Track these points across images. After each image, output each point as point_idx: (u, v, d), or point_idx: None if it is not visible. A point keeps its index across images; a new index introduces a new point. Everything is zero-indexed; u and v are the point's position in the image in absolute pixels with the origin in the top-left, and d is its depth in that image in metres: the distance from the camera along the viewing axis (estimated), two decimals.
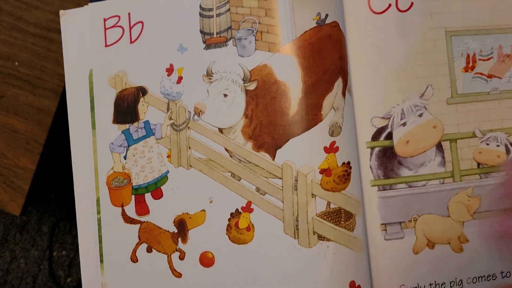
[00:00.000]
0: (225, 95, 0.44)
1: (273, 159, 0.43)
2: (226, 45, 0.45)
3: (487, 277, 0.43)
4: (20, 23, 0.73)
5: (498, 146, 0.43)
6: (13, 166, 0.73)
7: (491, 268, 0.43)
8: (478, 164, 0.43)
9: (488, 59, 0.44)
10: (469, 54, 0.44)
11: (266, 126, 0.43)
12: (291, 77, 0.42)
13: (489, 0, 0.44)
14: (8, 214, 1.26)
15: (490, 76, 0.44)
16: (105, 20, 0.48)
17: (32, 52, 0.73)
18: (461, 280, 0.42)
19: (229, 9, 0.44)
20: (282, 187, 0.43)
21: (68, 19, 0.49)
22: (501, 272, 0.43)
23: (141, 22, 0.47)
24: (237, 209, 0.44)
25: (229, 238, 0.44)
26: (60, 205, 1.27)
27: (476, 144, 0.43)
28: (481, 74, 0.44)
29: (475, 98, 0.43)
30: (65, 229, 1.27)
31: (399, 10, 0.43)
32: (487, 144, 0.43)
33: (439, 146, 0.43)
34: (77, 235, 1.17)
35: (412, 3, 0.43)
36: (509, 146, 0.43)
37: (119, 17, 0.48)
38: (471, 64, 0.44)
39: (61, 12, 0.49)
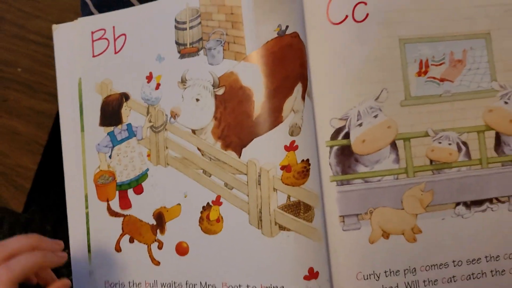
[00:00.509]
0: (197, 100, 0.46)
1: (239, 157, 0.45)
2: (198, 55, 0.47)
3: (440, 265, 0.45)
4: (22, 32, 0.77)
5: (450, 144, 0.45)
6: (15, 166, 0.77)
7: (444, 257, 0.45)
8: (431, 161, 0.45)
9: (440, 64, 0.46)
10: (422, 60, 0.46)
11: (233, 127, 0.45)
12: (255, 83, 0.45)
13: (441, 11, 0.46)
14: (13, 213, 1.27)
15: (442, 80, 0.46)
16: (92, 33, 0.52)
17: (34, 59, 0.77)
18: (414, 268, 0.44)
19: (200, 22, 0.47)
20: (247, 182, 0.45)
21: (60, 32, 0.53)
22: (453, 261, 0.45)
23: (124, 34, 0.50)
24: (208, 203, 0.46)
25: (202, 229, 0.46)
26: (63, 204, 1.30)
27: (429, 143, 0.45)
28: (434, 78, 0.46)
29: (428, 100, 0.46)
30: (67, 228, 1.30)
31: (356, 21, 0.45)
32: (439, 142, 0.45)
33: (393, 145, 0.45)
34: None
35: (367, 14, 0.45)
36: (460, 144, 0.46)
37: (104, 30, 0.51)
38: (424, 69, 0.46)
39: (54, 26, 0.52)
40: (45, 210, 1.28)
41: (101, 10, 0.55)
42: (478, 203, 0.46)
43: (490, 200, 0.46)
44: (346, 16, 0.46)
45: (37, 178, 0.79)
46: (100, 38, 0.51)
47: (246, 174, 0.45)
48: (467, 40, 0.47)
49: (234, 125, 0.45)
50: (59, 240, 0.44)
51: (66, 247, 0.49)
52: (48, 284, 0.43)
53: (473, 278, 0.45)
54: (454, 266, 0.45)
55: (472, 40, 0.47)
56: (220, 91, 0.46)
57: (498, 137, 0.46)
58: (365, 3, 0.45)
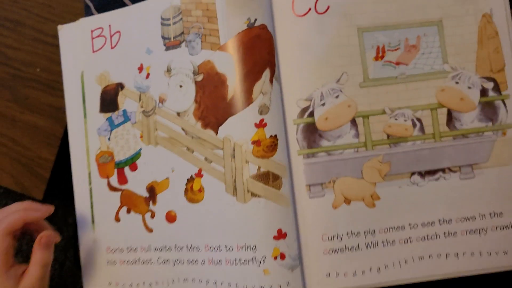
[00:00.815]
0: (181, 86, 0.51)
1: (217, 134, 0.49)
2: (180, 47, 0.51)
3: (397, 228, 0.49)
4: (40, 35, 0.82)
5: (405, 121, 0.49)
6: (36, 158, 0.83)
7: (400, 221, 0.49)
8: (388, 136, 0.49)
9: (396, 50, 0.50)
10: (379, 46, 0.50)
11: (210, 109, 0.49)
12: (228, 70, 0.49)
13: (395, 2, 0.50)
14: None
15: (398, 63, 0.50)
16: (92, 31, 0.56)
17: (51, 60, 0.82)
18: (374, 230, 0.48)
19: (181, 18, 0.51)
20: (223, 156, 0.49)
21: (64, 32, 0.58)
22: (409, 224, 0.49)
23: (119, 31, 0.55)
24: (191, 175, 0.50)
25: (187, 199, 0.50)
26: None
27: (386, 120, 0.49)
28: (390, 61, 0.50)
29: (385, 82, 0.50)
30: None
31: (318, 13, 0.50)
32: (396, 119, 0.49)
33: (353, 122, 0.49)
34: None
35: (328, 7, 0.50)
36: (415, 120, 0.50)
37: (102, 28, 0.56)
38: (380, 54, 0.50)
39: (59, 26, 0.58)
40: (67, 203, 1.35)
41: (100, 11, 0.60)
42: (432, 172, 0.49)
43: (443, 170, 0.49)
44: (309, 9, 0.50)
45: (57, 170, 0.85)
46: (98, 36, 0.56)
47: (222, 149, 0.49)
48: (421, 28, 0.51)
49: (212, 106, 0.50)
50: (50, 205, 0.50)
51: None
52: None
53: (428, 240, 0.49)
54: (410, 228, 0.49)
55: (425, 28, 0.51)
56: (199, 78, 0.50)
57: (449, 113, 0.50)
58: None
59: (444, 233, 0.49)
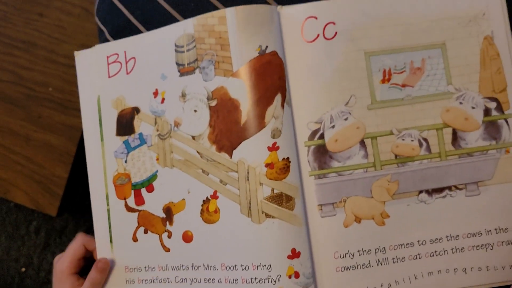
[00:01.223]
0: (195, 111, 0.52)
1: (231, 158, 0.50)
2: (194, 73, 0.52)
3: (406, 245, 0.50)
4: (52, 55, 0.85)
5: (412, 141, 0.51)
6: (50, 175, 0.86)
7: (410, 238, 0.50)
8: (396, 156, 0.51)
9: (402, 72, 0.52)
10: (385, 69, 0.52)
11: (224, 133, 0.51)
12: (241, 95, 0.50)
13: (401, 26, 0.52)
14: (48, 221, 1.31)
15: (404, 86, 0.52)
16: (107, 57, 0.58)
17: (63, 79, 0.84)
18: (384, 247, 0.50)
19: (195, 46, 0.53)
20: (238, 178, 0.50)
21: (81, 58, 0.60)
22: (418, 241, 0.50)
23: (134, 58, 0.56)
24: (207, 197, 0.51)
25: (203, 220, 0.52)
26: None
27: (393, 140, 0.51)
28: (396, 84, 0.52)
29: (391, 103, 0.51)
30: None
31: (326, 39, 0.52)
32: (403, 139, 0.51)
33: (362, 143, 0.51)
34: None
35: (336, 33, 0.52)
36: (421, 140, 0.51)
37: (117, 54, 0.57)
38: (387, 77, 0.52)
39: (76, 52, 0.59)
40: (78, 217, 1.37)
41: (115, 37, 0.62)
42: (439, 190, 0.51)
43: (449, 188, 0.51)
44: (318, 35, 0.52)
45: (68, 185, 0.88)
46: (114, 62, 0.58)
47: (237, 172, 0.50)
48: (425, 50, 0.52)
49: (225, 130, 0.51)
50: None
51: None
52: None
53: (436, 255, 0.51)
54: (419, 245, 0.51)
55: (429, 50, 0.52)
56: (213, 103, 0.52)
57: (454, 133, 0.51)
58: (334, 23, 0.52)
59: (452, 248, 0.51)
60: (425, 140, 0.52)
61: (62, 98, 0.85)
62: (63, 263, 0.57)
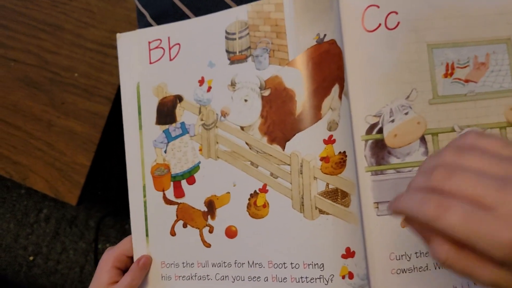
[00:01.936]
0: (246, 100, 0.50)
1: (283, 150, 0.49)
2: (246, 61, 0.51)
3: None
4: (79, 40, 0.82)
5: None
6: (71, 163, 0.83)
7: None
8: None
9: (465, 67, 0.49)
10: (448, 63, 0.49)
11: (277, 124, 0.49)
12: (296, 85, 0.48)
13: (465, 18, 0.49)
14: (59, 210, 1.31)
15: (467, 81, 0.49)
16: (149, 42, 0.56)
17: (90, 65, 0.82)
18: None
19: (248, 33, 0.51)
20: (291, 172, 0.49)
21: (122, 40, 0.57)
22: None
23: (179, 44, 0.54)
24: (255, 190, 0.50)
25: (249, 214, 0.50)
26: (106, 202, 1.33)
27: (454, 137, 0.50)
28: (459, 79, 0.49)
29: (454, 99, 0.49)
30: (109, 224, 1.32)
31: (388, 29, 0.49)
32: None
33: (422, 139, 0.49)
34: (120, 229, 1.27)
35: (398, 22, 0.49)
36: None
37: (160, 40, 0.55)
38: (450, 71, 0.49)
39: (118, 35, 0.56)
40: (89, 207, 1.35)
41: (158, 21, 0.60)
42: None
43: None
44: (379, 24, 0.49)
45: (90, 174, 0.85)
46: (156, 47, 0.55)
47: (289, 165, 0.49)
48: (490, 45, 0.50)
49: (279, 122, 0.49)
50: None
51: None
52: None
53: None
54: None
55: (494, 45, 0.50)
56: (266, 93, 0.50)
57: None
58: (396, 13, 0.49)
59: None
60: None
61: (87, 84, 0.83)
62: (111, 254, 0.55)
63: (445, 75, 0.50)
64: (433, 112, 0.49)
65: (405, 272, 0.48)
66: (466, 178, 0.27)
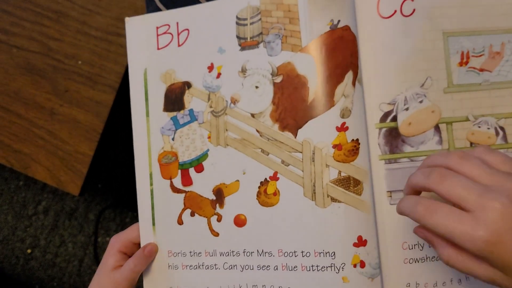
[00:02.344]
0: (257, 87, 0.49)
1: (295, 137, 0.48)
2: (258, 47, 0.50)
3: None
4: (84, 27, 0.81)
5: (488, 128, 0.48)
6: (74, 152, 0.82)
7: None
8: (471, 144, 0.48)
9: (480, 56, 0.49)
10: (463, 52, 0.49)
11: (289, 111, 0.48)
12: (309, 72, 0.48)
13: (481, 7, 0.49)
14: (58, 202, 1.29)
15: (482, 70, 0.49)
16: (157, 28, 0.54)
17: (94, 52, 0.81)
18: None
19: (260, 19, 0.50)
20: (302, 159, 0.48)
21: (131, 24, 0.56)
22: None
23: (187, 29, 0.53)
24: (265, 178, 0.49)
25: (259, 202, 0.49)
26: (106, 195, 1.32)
27: (469, 127, 0.48)
28: (474, 68, 0.49)
29: (468, 88, 0.48)
30: (109, 217, 1.31)
31: (403, 15, 0.48)
32: (479, 127, 0.48)
33: (436, 128, 0.48)
34: (120, 222, 1.26)
35: (414, 10, 0.48)
36: (498, 129, 0.48)
37: (169, 25, 0.54)
38: (465, 60, 0.49)
39: (126, 18, 0.55)
40: (90, 199, 1.34)
41: (167, 5, 0.59)
42: None
43: None
44: (395, 11, 0.48)
45: (93, 164, 0.84)
46: (164, 33, 0.54)
47: (301, 152, 0.48)
48: (505, 34, 0.49)
49: (291, 109, 0.48)
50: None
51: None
52: None
53: None
54: None
55: (509, 35, 0.49)
56: (278, 79, 0.49)
57: None
58: (412, 0, 0.49)
59: None
60: (502, 128, 0.49)
61: (91, 72, 0.81)
62: (118, 239, 0.54)
63: (460, 64, 0.49)
64: (448, 101, 0.49)
65: (418, 261, 0.47)
66: (455, 183, 0.33)
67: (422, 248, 0.47)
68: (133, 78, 0.56)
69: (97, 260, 1.28)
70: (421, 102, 0.48)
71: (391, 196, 0.47)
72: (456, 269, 0.34)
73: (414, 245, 0.47)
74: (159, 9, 0.59)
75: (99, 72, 0.81)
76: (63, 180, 0.82)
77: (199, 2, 0.55)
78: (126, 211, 1.30)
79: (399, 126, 0.48)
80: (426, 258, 0.47)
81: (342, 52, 0.47)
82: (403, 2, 0.49)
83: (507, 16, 0.50)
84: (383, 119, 0.48)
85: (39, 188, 1.30)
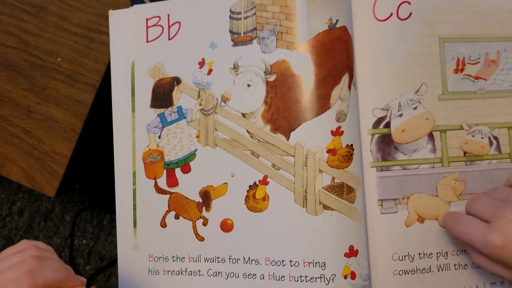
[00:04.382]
0: (249, 85, 0.47)
1: (288, 140, 0.47)
2: (251, 43, 0.48)
3: None
4: (64, 23, 0.78)
5: (482, 138, 0.47)
6: (50, 152, 0.78)
7: None
8: (464, 153, 0.47)
9: (476, 63, 0.48)
10: (459, 58, 0.48)
11: (282, 112, 0.46)
12: (305, 71, 0.46)
13: (478, 14, 0.48)
14: (34, 203, 1.26)
15: (477, 78, 0.48)
16: (147, 19, 0.52)
17: (74, 50, 0.78)
18: (446, 252, 0.46)
19: (255, 13, 0.48)
20: (294, 163, 0.46)
21: (116, 18, 0.54)
22: None
23: (179, 22, 0.51)
24: (255, 182, 0.47)
25: (247, 207, 0.47)
26: (84, 196, 1.29)
27: (463, 136, 0.47)
28: (469, 75, 0.48)
29: (463, 96, 0.48)
30: (86, 219, 1.27)
31: (400, 19, 0.47)
32: (473, 136, 0.47)
33: (430, 135, 0.47)
34: (97, 225, 1.22)
35: (411, 13, 0.47)
36: (492, 138, 0.47)
37: (159, 17, 0.52)
38: (460, 67, 0.48)
39: (110, 11, 0.53)
40: (66, 200, 1.30)
41: None
42: None
43: None
44: (391, 14, 0.48)
45: (70, 164, 0.81)
46: (154, 25, 0.52)
47: (293, 156, 0.46)
48: (501, 42, 0.49)
49: (284, 109, 0.47)
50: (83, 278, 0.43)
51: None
52: None
53: None
54: None
55: (505, 43, 0.49)
56: (272, 78, 0.47)
57: None
58: (409, 3, 0.48)
59: None
60: (496, 138, 0.48)
61: (71, 70, 0.78)
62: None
63: (456, 71, 0.49)
64: (442, 108, 0.48)
65: (408, 273, 0.46)
66: (480, 201, 0.42)
67: (413, 259, 0.46)
68: (116, 72, 0.54)
69: (72, 263, 1.24)
70: (415, 108, 0.47)
71: (382, 205, 0.46)
72: (485, 271, 0.41)
73: (405, 256, 0.46)
74: (143, 2, 0.57)
75: (79, 70, 0.78)
76: (39, 181, 0.79)
77: None
78: (104, 213, 1.26)
79: (392, 132, 0.47)
80: (416, 270, 0.46)
81: (339, 53, 0.46)
82: (400, 4, 0.48)
83: (504, 24, 0.49)
84: (376, 125, 0.47)
85: (14, 188, 1.26)
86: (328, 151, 0.46)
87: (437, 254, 0.46)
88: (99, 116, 0.78)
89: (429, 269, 0.46)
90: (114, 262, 1.22)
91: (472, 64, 0.49)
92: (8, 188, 1.28)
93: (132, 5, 0.60)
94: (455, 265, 0.47)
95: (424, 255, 0.46)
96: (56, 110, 0.79)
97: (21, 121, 0.79)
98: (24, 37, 0.79)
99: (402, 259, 0.46)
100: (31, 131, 0.79)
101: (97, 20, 0.78)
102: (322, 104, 0.46)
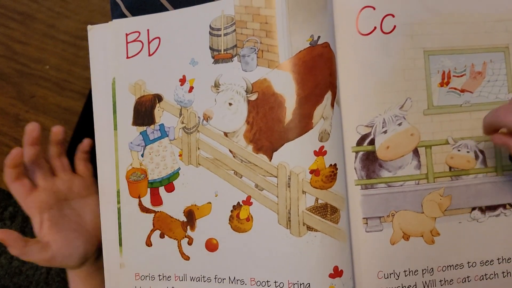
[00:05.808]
0: (230, 104, 0.47)
1: (270, 160, 0.46)
2: (232, 61, 0.47)
3: (455, 266, 0.46)
4: (52, 31, 0.77)
5: (468, 152, 0.47)
6: None
7: (459, 259, 0.46)
8: (450, 168, 0.47)
9: (461, 76, 0.47)
10: (445, 71, 0.47)
11: (264, 132, 0.46)
12: (287, 90, 0.45)
13: (463, 25, 0.47)
14: (17, 203, 1.27)
15: (462, 91, 0.47)
16: (127, 35, 0.51)
17: (62, 57, 0.77)
18: (432, 268, 0.46)
19: (235, 30, 0.47)
20: (277, 184, 0.46)
21: (95, 33, 0.53)
22: (468, 262, 0.46)
23: (159, 38, 0.50)
24: (238, 202, 0.47)
25: (231, 227, 0.47)
26: None
27: (448, 150, 0.47)
28: (455, 88, 0.47)
29: (449, 110, 0.47)
30: None
31: (383, 32, 0.46)
32: (458, 150, 0.47)
33: (415, 151, 0.46)
34: None
35: (394, 26, 0.46)
36: (477, 152, 0.47)
37: (139, 32, 0.51)
38: (446, 80, 0.47)
39: (89, 26, 0.52)
40: None
41: (133, 12, 0.55)
42: (493, 208, 0.47)
43: (503, 206, 0.47)
44: (375, 28, 0.46)
45: None
46: (134, 40, 0.51)
47: (276, 177, 0.46)
48: (487, 53, 0.48)
49: (266, 129, 0.46)
50: None
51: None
52: None
53: (486, 279, 0.46)
54: (469, 267, 0.46)
55: (491, 53, 0.48)
56: (253, 97, 0.46)
57: None
58: (393, 15, 0.46)
59: (503, 272, 0.47)
60: (482, 152, 0.48)
61: (59, 78, 0.78)
62: None
63: (441, 84, 0.48)
64: (428, 123, 0.47)
65: None
66: None
67: (398, 277, 0.46)
68: (97, 88, 0.53)
69: (63, 269, 1.23)
70: (400, 124, 0.47)
71: (367, 223, 0.46)
72: None
73: (390, 274, 0.45)
74: (124, 15, 0.56)
75: (67, 77, 0.77)
76: None
77: (167, 10, 0.52)
78: None
79: (376, 149, 0.46)
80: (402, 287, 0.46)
81: (322, 71, 0.45)
82: (384, 18, 0.47)
83: (489, 34, 0.48)
84: (360, 142, 0.46)
85: (6, 194, 1.25)
86: (311, 171, 0.45)
87: (422, 270, 0.46)
88: (91, 124, 0.78)
89: (414, 286, 0.46)
90: None
91: (457, 76, 0.48)
92: (0, 193, 1.27)
93: (113, 16, 0.59)
94: (440, 281, 0.46)
95: (409, 272, 0.46)
96: (45, 118, 0.78)
97: (10, 130, 0.79)
98: (11, 45, 0.79)
99: (387, 277, 0.46)
100: (20, 139, 0.78)
101: (84, 27, 0.75)
102: (305, 124, 0.45)
